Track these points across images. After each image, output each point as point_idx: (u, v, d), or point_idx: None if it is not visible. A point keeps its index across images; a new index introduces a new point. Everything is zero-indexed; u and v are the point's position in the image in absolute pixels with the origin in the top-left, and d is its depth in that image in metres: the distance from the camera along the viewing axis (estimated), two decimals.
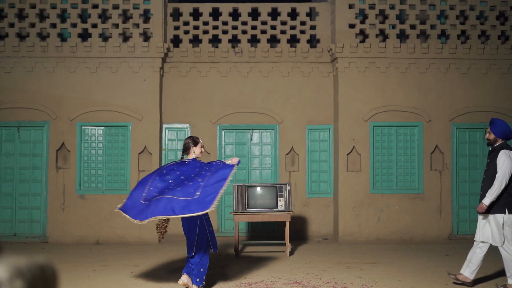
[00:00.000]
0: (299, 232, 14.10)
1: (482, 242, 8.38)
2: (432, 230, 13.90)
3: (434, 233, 13.90)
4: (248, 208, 11.78)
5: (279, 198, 11.81)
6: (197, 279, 8.17)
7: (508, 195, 8.23)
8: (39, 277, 1.66)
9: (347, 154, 13.90)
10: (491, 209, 8.29)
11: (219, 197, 7.82)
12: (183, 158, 8.59)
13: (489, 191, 8.17)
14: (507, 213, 8.21)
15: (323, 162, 14.45)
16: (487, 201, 8.16)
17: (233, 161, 8.33)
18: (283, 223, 12.23)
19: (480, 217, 8.48)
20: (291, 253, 11.99)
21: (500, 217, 8.22)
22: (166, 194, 7.89)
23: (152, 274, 9.69)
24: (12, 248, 13.10)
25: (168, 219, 8.25)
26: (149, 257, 11.49)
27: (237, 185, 11.91)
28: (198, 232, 8.17)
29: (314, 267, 10.43)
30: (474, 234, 13.66)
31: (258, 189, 11.97)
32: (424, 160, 13.98)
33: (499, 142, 8.44)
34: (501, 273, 9.17)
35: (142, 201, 8.00)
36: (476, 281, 8.75)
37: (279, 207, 11.78)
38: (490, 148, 8.60)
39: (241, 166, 14.37)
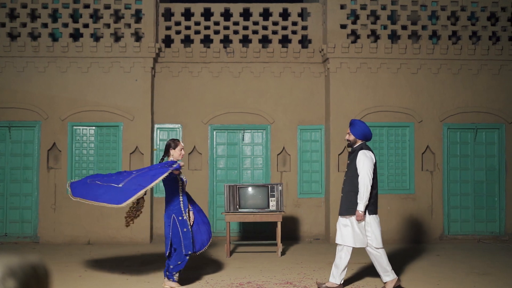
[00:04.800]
0: (291, 232, 14.11)
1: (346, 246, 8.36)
2: (423, 231, 13.93)
3: (425, 233, 13.93)
4: (239, 208, 11.79)
5: (270, 199, 11.82)
6: (168, 273, 8.54)
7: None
8: (32, 276, 1.66)
9: (339, 155, 13.91)
10: (345, 210, 8.29)
11: (137, 196, 7.99)
12: (163, 159, 8.76)
13: (358, 196, 8.12)
14: (367, 214, 8.25)
15: (315, 163, 14.47)
16: (360, 207, 8.10)
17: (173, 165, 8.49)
18: (275, 223, 12.24)
19: (340, 221, 8.45)
20: (283, 253, 12.00)
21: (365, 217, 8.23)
22: (101, 181, 8.24)
23: (143, 275, 9.68)
24: (3, 248, 13.07)
25: (141, 210, 8.52)
26: (140, 258, 11.48)
27: (229, 185, 11.91)
28: (173, 231, 8.37)
29: (305, 267, 10.44)
30: (466, 235, 13.79)
31: (250, 189, 11.98)
32: (415, 161, 14.01)
33: (359, 143, 8.46)
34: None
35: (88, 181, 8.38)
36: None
37: (270, 207, 11.79)
38: (350, 150, 8.59)
39: (233, 166, 14.39)
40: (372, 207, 8.26)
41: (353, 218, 8.24)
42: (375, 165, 8.32)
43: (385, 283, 8.41)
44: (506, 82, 14.23)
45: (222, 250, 12.17)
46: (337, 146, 13.88)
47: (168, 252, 8.43)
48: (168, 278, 8.51)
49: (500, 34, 14.27)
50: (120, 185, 8.03)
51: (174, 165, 8.29)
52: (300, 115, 14.39)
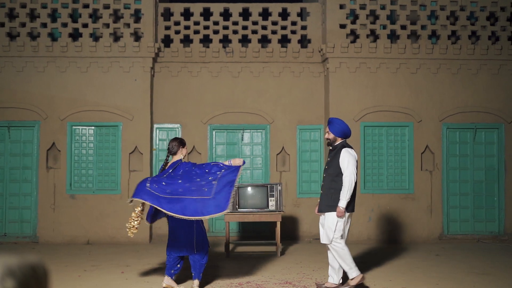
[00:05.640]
0: (290, 232, 14.10)
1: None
2: (422, 230, 13.93)
3: (425, 233, 13.93)
4: (239, 208, 11.78)
5: (270, 198, 11.81)
6: (200, 274, 8.50)
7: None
8: (31, 276, 1.65)
9: None
10: (325, 207, 8.36)
11: (232, 196, 8.14)
12: (168, 159, 8.58)
13: (342, 192, 8.18)
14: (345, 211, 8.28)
15: (314, 162, 14.46)
16: (343, 203, 8.16)
17: (235, 162, 8.45)
18: (274, 223, 12.23)
19: (320, 220, 8.54)
20: (282, 253, 12.00)
21: (335, 214, 8.27)
22: (182, 194, 8.09)
23: (143, 274, 9.68)
24: (2, 248, 13.06)
25: (142, 215, 8.35)
26: (140, 257, 11.48)
27: None
28: (197, 230, 8.34)
29: (305, 267, 10.44)
30: (465, 234, 13.77)
31: (249, 189, 11.97)
32: (414, 160, 14.01)
33: (339, 141, 8.50)
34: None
35: (157, 193, 8.11)
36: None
37: (270, 207, 11.78)
38: (331, 147, 8.61)
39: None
40: (351, 205, 8.34)
41: (328, 214, 8.33)
42: (357, 162, 8.40)
43: (352, 279, 8.42)
44: (506, 82, 14.23)
45: (221, 250, 12.17)
46: None
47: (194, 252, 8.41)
48: (199, 279, 8.46)
49: (499, 34, 14.27)
50: (212, 196, 8.09)
51: (239, 163, 8.50)
52: (300, 115, 14.39)
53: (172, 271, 8.52)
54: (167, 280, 8.48)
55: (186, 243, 8.35)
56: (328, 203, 8.36)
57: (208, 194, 8.07)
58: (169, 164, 8.52)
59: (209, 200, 8.04)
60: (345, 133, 8.47)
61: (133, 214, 8.29)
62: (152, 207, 8.44)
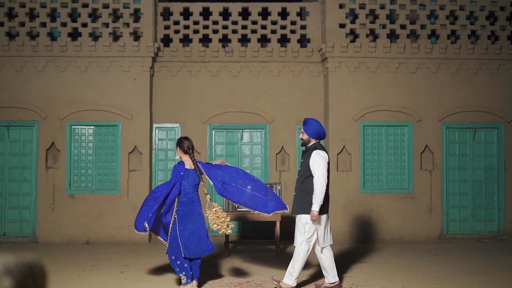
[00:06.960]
0: (290, 231, 14.07)
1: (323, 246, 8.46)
2: (422, 230, 13.93)
3: (424, 233, 13.93)
4: (238, 207, 11.77)
5: None
6: (198, 274, 8.49)
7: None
8: (28, 275, 1.65)
9: (338, 154, 13.90)
10: (296, 209, 8.37)
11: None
12: (193, 159, 8.44)
13: (314, 196, 8.11)
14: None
15: None
16: (315, 207, 8.09)
17: (218, 162, 8.70)
18: (274, 223, 12.22)
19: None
20: (282, 252, 11.99)
21: (304, 217, 8.25)
22: (250, 190, 8.45)
23: (142, 274, 9.67)
24: (1, 248, 13.06)
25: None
26: (139, 257, 11.47)
27: None
28: (206, 229, 8.43)
29: (304, 266, 10.42)
30: (465, 234, 13.78)
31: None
32: (414, 160, 14.00)
33: (313, 142, 8.43)
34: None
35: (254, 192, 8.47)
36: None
37: None
38: (304, 148, 8.58)
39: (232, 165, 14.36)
40: (325, 207, 8.33)
41: (298, 216, 8.35)
42: (328, 164, 8.32)
43: (284, 282, 8.39)
44: (505, 81, 14.23)
45: (221, 250, 12.16)
46: (336, 145, 13.87)
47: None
48: (197, 279, 8.42)
49: (499, 34, 14.26)
50: (270, 197, 8.53)
51: (222, 163, 8.77)
52: (299, 114, 14.38)
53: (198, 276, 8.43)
54: (194, 283, 8.38)
55: (203, 244, 8.30)
56: (298, 205, 8.34)
57: (267, 195, 8.46)
58: (194, 165, 8.40)
59: (271, 200, 8.48)
60: (319, 135, 8.41)
61: (217, 213, 8.11)
62: (154, 214, 8.39)
